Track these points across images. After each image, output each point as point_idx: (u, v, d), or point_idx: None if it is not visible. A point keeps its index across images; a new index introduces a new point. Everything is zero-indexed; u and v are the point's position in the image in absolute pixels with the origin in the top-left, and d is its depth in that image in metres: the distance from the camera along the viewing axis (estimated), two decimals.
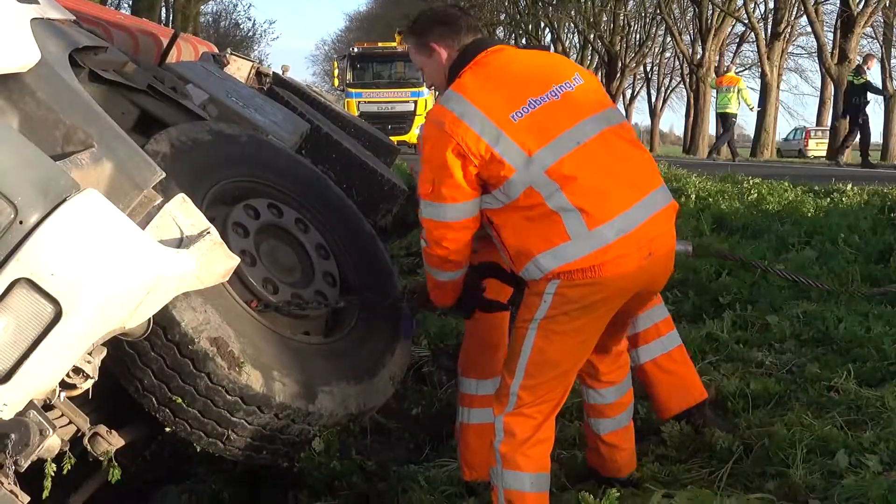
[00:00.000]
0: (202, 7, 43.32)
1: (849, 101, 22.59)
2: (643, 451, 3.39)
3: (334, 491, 3.32)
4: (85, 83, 3.29)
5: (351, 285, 3.50)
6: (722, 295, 5.26)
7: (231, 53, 7.81)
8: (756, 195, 8.96)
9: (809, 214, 7.84)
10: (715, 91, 28.30)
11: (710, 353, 4.31)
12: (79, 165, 2.53)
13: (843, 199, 8.78)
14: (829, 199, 8.77)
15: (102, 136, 2.58)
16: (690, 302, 5.24)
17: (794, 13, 42.97)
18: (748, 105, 26.13)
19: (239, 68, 7.14)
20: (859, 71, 22.62)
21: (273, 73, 7.80)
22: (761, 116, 40.53)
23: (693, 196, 8.93)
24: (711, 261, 5.84)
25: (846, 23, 35.98)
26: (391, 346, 3.40)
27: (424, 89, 31.56)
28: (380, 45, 35.51)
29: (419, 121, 30.54)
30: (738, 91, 24.91)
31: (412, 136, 30.23)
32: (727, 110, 24.66)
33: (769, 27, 44.56)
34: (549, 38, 64.12)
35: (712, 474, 3.12)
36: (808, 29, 41.00)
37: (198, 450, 3.17)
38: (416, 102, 31.01)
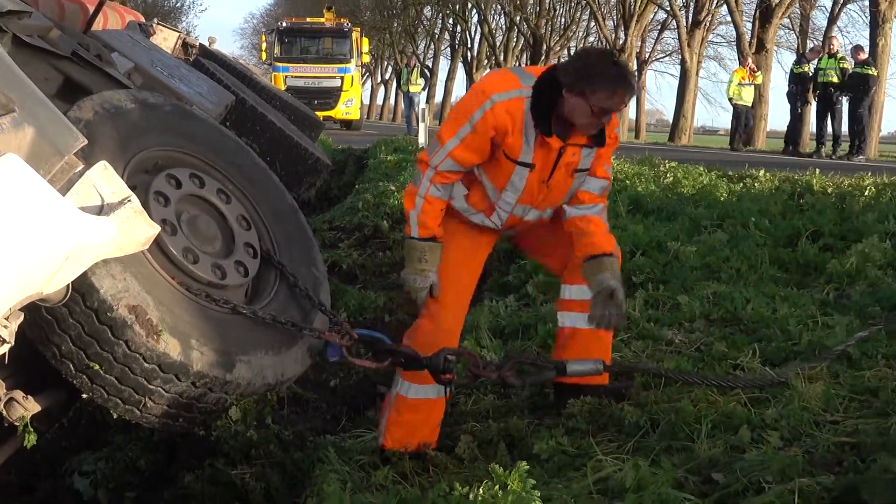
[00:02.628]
0: None
1: (790, 89, 23.31)
2: (554, 424, 3.42)
3: (251, 459, 3.30)
4: (7, 47, 3.24)
5: (271, 257, 3.49)
6: (635, 274, 5.31)
7: (158, 23, 7.74)
8: (672, 179, 9.06)
9: (723, 198, 7.94)
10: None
11: (622, 330, 4.34)
12: None
13: (756, 184, 8.91)
14: (741, 185, 8.89)
15: (24, 101, 2.54)
16: None
17: (715, 2, 43.40)
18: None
19: (165, 38, 7.07)
20: (800, 61, 23.12)
21: (200, 44, 7.73)
22: (680, 102, 41.22)
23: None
24: (626, 242, 5.89)
25: (764, 13, 36.53)
26: (309, 318, 3.40)
27: (352, 65, 31.78)
28: (308, 20, 35.60)
29: (345, 96, 30.92)
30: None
31: (338, 111, 30.79)
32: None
33: (690, 15, 45.06)
34: (475, 18, 64.11)
35: (620, 447, 3.15)
36: (728, 18, 41.45)
37: (115, 417, 3.15)
38: (342, 78, 31.13)
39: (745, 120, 26.89)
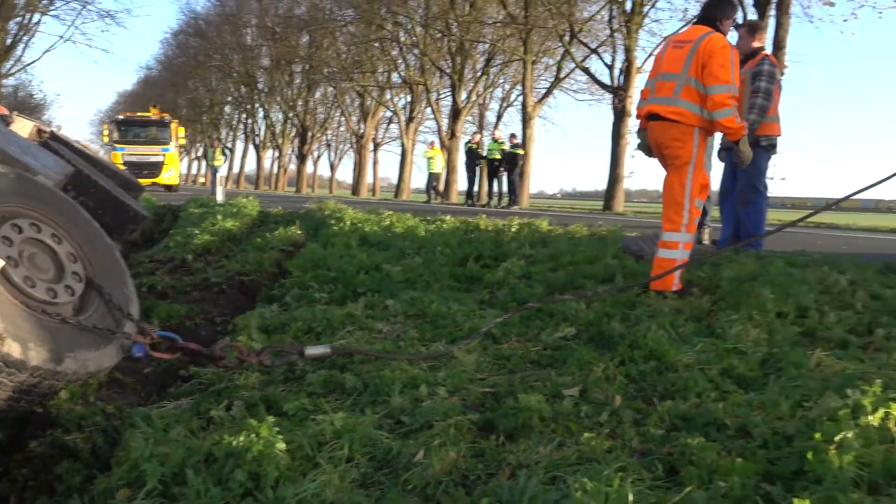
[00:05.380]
0: (4, 81, 41.09)
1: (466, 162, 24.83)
2: (299, 389, 3.38)
3: (81, 428, 3.13)
4: None
5: (93, 281, 3.32)
6: (360, 287, 5.34)
7: (16, 115, 7.24)
8: (389, 222, 9.17)
9: (421, 234, 8.10)
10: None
11: (349, 325, 4.35)
12: None
13: (444, 225, 9.14)
14: (434, 225, 9.10)
15: None
16: (339, 291, 5.27)
17: (423, 105, 44.42)
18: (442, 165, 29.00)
19: (23, 126, 6.62)
20: (470, 142, 24.43)
21: (51, 130, 7.28)
22: (401, 171, 42.21)
23: (348, 222, 9.03)
24: (355, 265, 5.93)
25: (455, 113, 37.51)
26: (121, 325, 3.26)
27: (171, 146, 31.84)
28: (139, 114, 35.49)
29: (167, 168, 31.98)
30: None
31: (162, 179, 31.82)
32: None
33: (407, 114, 45.99)
34: (261, 113, 63.24)
35: (342, 403, 3.15)
36: (432, 116, 42.69)
37: None
38: (164, 155, 32.02)
39: (434, 182, 28.11)
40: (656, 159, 5.35)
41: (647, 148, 5.39)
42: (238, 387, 3.46)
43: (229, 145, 69.47)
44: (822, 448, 2.22)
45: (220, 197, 15.87)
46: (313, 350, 3.47)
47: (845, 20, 35.37)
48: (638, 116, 5.54)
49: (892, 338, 3.84)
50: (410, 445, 2.61)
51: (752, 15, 21.91)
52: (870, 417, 2.37)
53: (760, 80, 6.85)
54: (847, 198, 4.96)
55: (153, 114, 33.41)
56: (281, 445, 2.45)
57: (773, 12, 21.63)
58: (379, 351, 3.73)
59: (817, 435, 2.31)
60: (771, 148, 7.13)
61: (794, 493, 2.04)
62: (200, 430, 2.95)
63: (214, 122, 69.28)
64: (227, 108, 68.39)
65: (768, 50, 21.21)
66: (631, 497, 2.00)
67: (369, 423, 2.75)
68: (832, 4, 24.27)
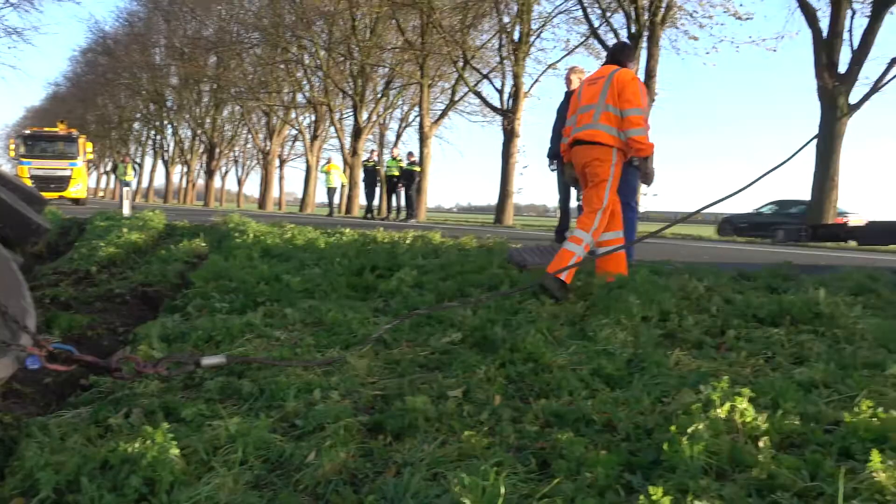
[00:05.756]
0: None
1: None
2: (198, 396, 3.29)
3: None
4: None
5: None
6: (260, 297, 5.24)
7: None
8: (290, 235, 9.05)
9: (321, 246, 8.02)
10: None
11: (248, 333, 4.26)
12: None
13: (343, 237, 9.07)
14: (334, 237, 9.03)
15: None
16: (240, 301, 5.16)
17: (327, 124, 44.16)
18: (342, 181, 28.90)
19: None
20: (369, 159, 24.36)
21: None
22: (306, 187, 41.71)
23: (251, 235, 8.86)
24: (256, 276, 5.81)
25: (357, 132, 37.42)
26: (17, 336, 3.10)
27: (79, 161, 30.71)
28: (46, 129, 33.86)
29: (74, 182, 30.65)
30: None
31: (69, 192, 30.38)
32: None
33: (312, 132, 45.59)
34: (170, 130, 61.60)
35: (239, 409, 3.08)
36: (335, 135, 42.54)
37: None
38: (72, 170, 30.62)
39: (334, 196, 28.04)
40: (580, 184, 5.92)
41: (573, 179, 6.02)
42: (137, 395, 3.34)
43: (138, 160, 67.24)
44: (677, 439, 2.29)
45: (126, 210, 15.34)
46: (209, 360, 3.38)
47: (707, 53, 37.07)
48: (563, 152, 6.08)
49: (741, 338, 4.02)
50: (303, 447, 2.57)
51: None
52: (718, 411, 2.46)
53: None
54: (697, 211, 5.34)
55: (61, 129, 32.07)
56: (175, 451, 2.38)
57: (644, 44, 22.44)
58: (275, 358, 3.66)
59: (673, 428, 2.38)
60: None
61: (651, 481, 2.10)
62: (98, 438, 2.83)
63: (123, 137, 67.06)
64: (136, 125, 66.37)
65: (641, 78, 21.94)
66: (503, 489, 2.02)
67: (263, 427, 2.69)
68: (696, 39, 25.39)
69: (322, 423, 2.77)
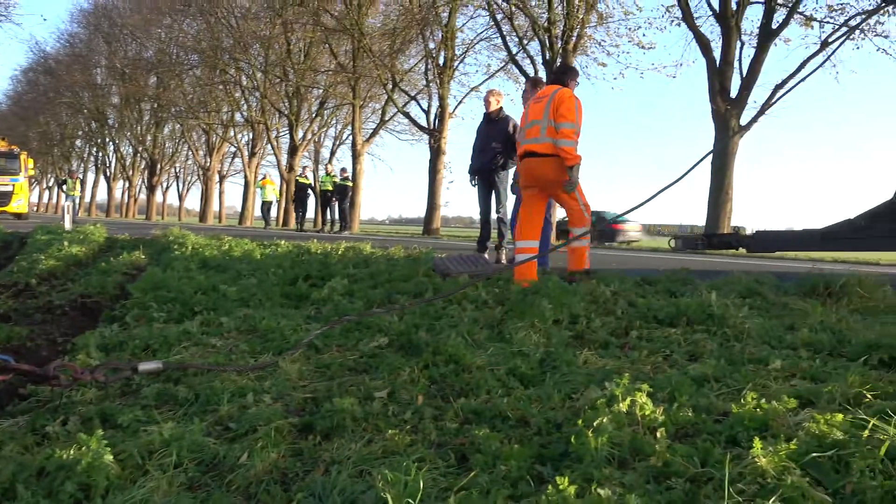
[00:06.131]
0: None
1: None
2: (135, 403, 3.19)
3: None
4: None
5: None
6: (197, 307, 5.12)
7: None
8: (228, 247, 8.88)
9: (258, 258, 7.89)
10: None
11: (185, 341, 4.16)
12: None
13: (279, 249, 8.94)
14: (270, 249, 8.89)
15: None
16: (177, 310, 5.04)
17: (264, 141, 43.60)
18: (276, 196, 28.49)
19: None
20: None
21: None
22: (244, 201, 41.07)
23: (190, 247, 8.66)
24: (193, 287, 5.68)
25: (293, 148, 37.04)
26: None
27: (20, 177, 29.56)
28: None
29: (16, 197, 29.62)
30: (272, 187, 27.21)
31: (11, 207, 29.44)
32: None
33: (250, 149, 45.00)
34: (112, 147, 59.91)
35: (175, 414, 3.00)
36: (272, 153, 42.05)
37: None
38: (13, 185, 29.20)
39: (270, 210, 27.63)
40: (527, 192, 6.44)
41: (518, 189, 6.69)
42: (75, 402, 3.22)
43: (80, 176, 65.05)
44: (583, 432, 2.33)
45: (67, 224, 14.80)
46: (146, 365, 3.29)
47: (615, 78, 37.90)
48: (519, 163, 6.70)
49: (642, 338, 4.11)
50: (235, 449, 2.52)
51: (542, 73, 23.01)
52: (620, 405, 2.51)
53: None
54: (603, 224, 5.40)
55: (2, 146, 30.73)
56: (109, 456, 2.30)
57: None
58: (210, 364, 3.58)
59: (580, 422, 2.42)
60: None
61: (560, 472, 2.13)
62: (35, 446, 2.72)
63: (66, 154, 64.82)
64: (78, 142, 64.20)
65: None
66: (422, 483, 2.02)
67: (198, 431, 2.63)
68: (604, 65, 26.03)
69: (254, 425, 2.72)
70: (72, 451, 2.34)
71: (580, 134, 6.02)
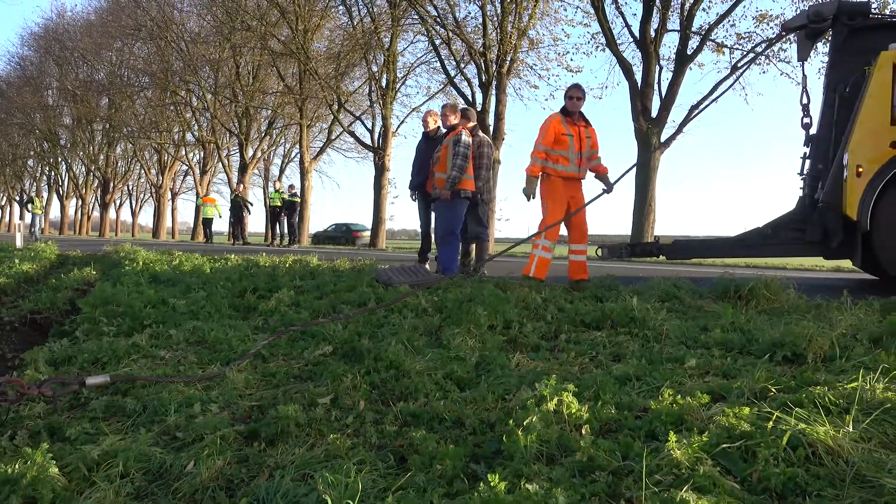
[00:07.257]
0: None
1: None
2: (83, 415, 3.08)
3: None
4: None
5: None
6: (146, 320, 4.98)
7: None
8: (178, 262, 8.67)
9: (207, 272, 7.72)
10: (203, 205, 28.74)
11: (134, 354, 4.04)
12: None
13: (228, 263, 8.77)
14: (219, 263, 8.71)
15: None
16: (127, 324, 4.89)
17: (215, 160, 42.93)
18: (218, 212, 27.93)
19: None
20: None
21: None
22: (196, 218, 40.52)
23: (141, 262, 8.43)
24: (143, 301, 5.52)
25: (243, 166, 36.56)
26: None
27: None
28: None
29: None
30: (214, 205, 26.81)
31: None
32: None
33: (201, 167, 44.24)
34: (64, 167, 58.11)
35: (123, 427, 2.90)
36: (223, 170, 41.47)
37: None
38: None
39: (211, 226, 27.23)
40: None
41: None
42: (23, 417, 3.09)
43: (34, 194, 62.87)
44: (514, 431, 2.34)
45: (19, 242, 14.26)
46: (94, 379, 3.17)
47: (546, 99, 38.45)
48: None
49: (571, 341, 4.15)
50: (182, 458, 2.45)
51: (479, 93, 23.21)
52: (549, 404, 2.53)
53: (458, 147, 7.23)
54: (527, 238, 5.51)
55: None
56: (54, 469, 2.22)
57: (493, 92, 23.08)
58: (158, 375, 3.49)
59: (511, 421, 2.43)
60: (467, 199, 7.47)
61: (492, 469, 2.13)
62: None
63: (18, 174, 62.48)
64: (31, 162, 61.98)
65: (490, 121, 22.41)
66: (361, 485, 2.00)
67: (145, 441, 2.55)
68: (536, 87, 26.44)
69: (201, 434, 2.65)
70: (17, 465, 2.25)
71: (541, 151, 6.37)
